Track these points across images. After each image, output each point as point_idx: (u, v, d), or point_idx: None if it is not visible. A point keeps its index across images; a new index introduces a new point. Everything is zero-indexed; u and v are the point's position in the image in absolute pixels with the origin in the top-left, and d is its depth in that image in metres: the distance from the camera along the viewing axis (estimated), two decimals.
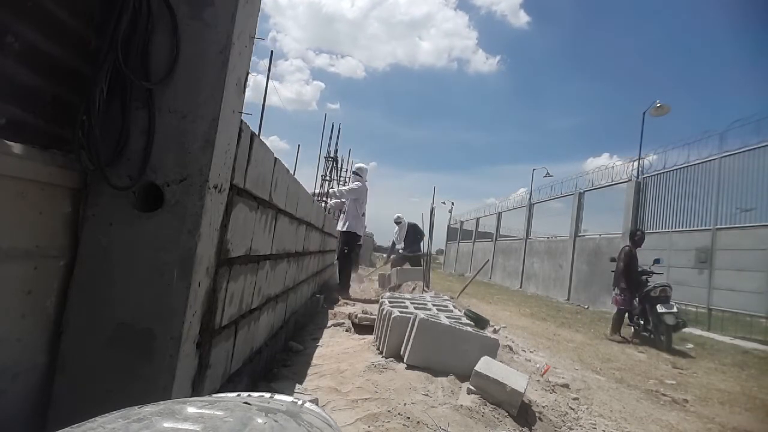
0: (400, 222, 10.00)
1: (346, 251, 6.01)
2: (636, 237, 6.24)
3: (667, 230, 9.42)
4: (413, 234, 9.75)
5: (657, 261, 6.25)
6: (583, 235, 12.79)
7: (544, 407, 2.25)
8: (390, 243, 10.78)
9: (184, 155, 1.08)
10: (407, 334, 2.46)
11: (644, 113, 10.88)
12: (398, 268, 7.82)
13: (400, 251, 9.72)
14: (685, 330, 5.68)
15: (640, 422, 2.49)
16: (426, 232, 8.87)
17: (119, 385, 1.03)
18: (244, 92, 1.28)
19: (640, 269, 6.31)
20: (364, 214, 6.28)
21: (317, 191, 6.88)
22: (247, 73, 1.30)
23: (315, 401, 1.62)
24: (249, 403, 0.56)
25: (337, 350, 2.83)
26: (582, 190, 13.02)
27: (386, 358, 2.51)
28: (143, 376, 1.03)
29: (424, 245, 9.37)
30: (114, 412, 0.49)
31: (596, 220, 12.80)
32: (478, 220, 23.36)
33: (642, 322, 5.66)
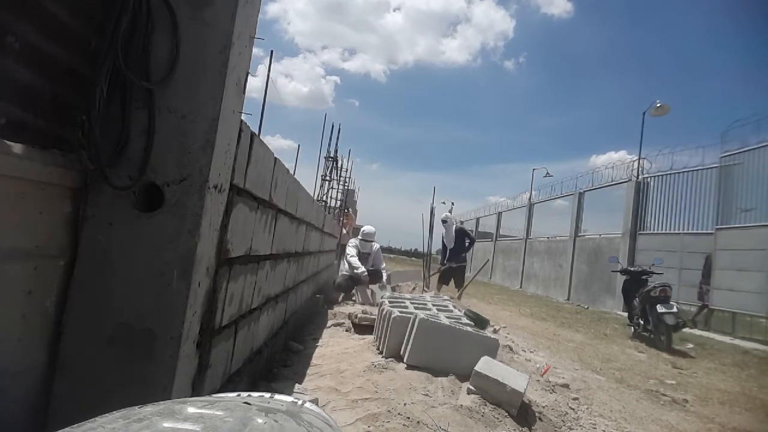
0: (447, 221, 7.96)
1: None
2: None
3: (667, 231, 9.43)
4: (462, 239, 7.84)
5: (657, 261, 6.26)
6: (583, 235, 12.80)
7: (544, 407, 2.25)
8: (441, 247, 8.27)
9: (184, 155, 1.08)
10: (407, 334, 2.46)
11: (644, 113, 10.89)
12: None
13: (446, 263, 7.83)
14: (685, 330, 5.68)
15: (640, 422, 2.49)
16: (426, 232, 8.79)
17: (119, 385, 1.03)
18: (244, 92, 1.29)
19: (640, 269, 6.32)
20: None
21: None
22: (247, 73, 1.30)
23: (315, 401, 1.63)
24: (249, 403, 0.56)
25: (337, 350, 2.83)
26: (582, 190, 13.03)
27: (386, 358, 2.51)
28: (143, 376, 1.03)
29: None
30: (114, 412, 0.49)
31: (596, 220, 12.81)
32: (478, 220, 23.38)
33: (642, 322, 5.66)
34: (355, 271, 5.57)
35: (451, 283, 7.72)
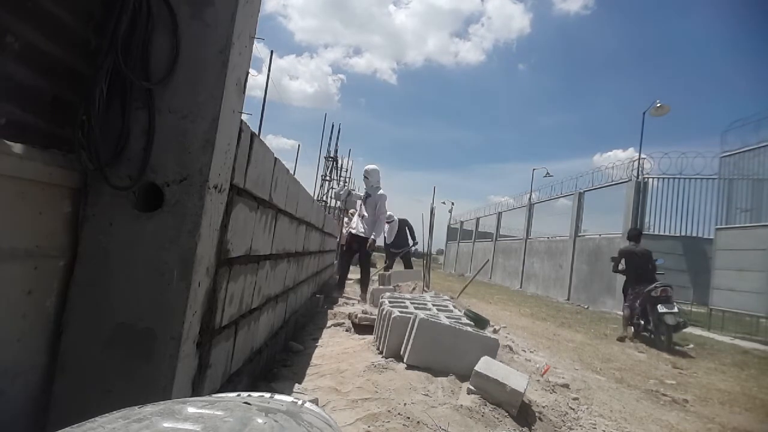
0: (392, 220, 9.12)
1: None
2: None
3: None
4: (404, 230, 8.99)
5: (658, 261, 6.26)
6: (583, 235, 12.79)
7: (544, 407, 2.25)
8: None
9: (184, 155, 1.08)
10: (407, 334, 2.46)
11: (644, 113, 10.89)
12: (393, 270, 7.76)
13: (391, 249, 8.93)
14: (685, 330, 5.69)
15: (640, 422, 2.49)
16: (426, 232, 8.80)
17: (119, 385, 1.03)
18: (244, 92, 1.28)
19: (640, 270, 6.32)
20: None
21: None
22: (247, 73, 1.30)
23: (315, 401, 1.63)
24: (249, 403, 0.56)
25: (337, 350, 2.83)
26: (582, 190, 13.02)
27: (386, 358, 2.51)
28: (143, 376, 1.03)
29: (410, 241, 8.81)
30: (114, 412, 0.49)
31: (596, 220, 12.80)
32: (478, 220, 23.36)
33: (642, 322, 5.66)
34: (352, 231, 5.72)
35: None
